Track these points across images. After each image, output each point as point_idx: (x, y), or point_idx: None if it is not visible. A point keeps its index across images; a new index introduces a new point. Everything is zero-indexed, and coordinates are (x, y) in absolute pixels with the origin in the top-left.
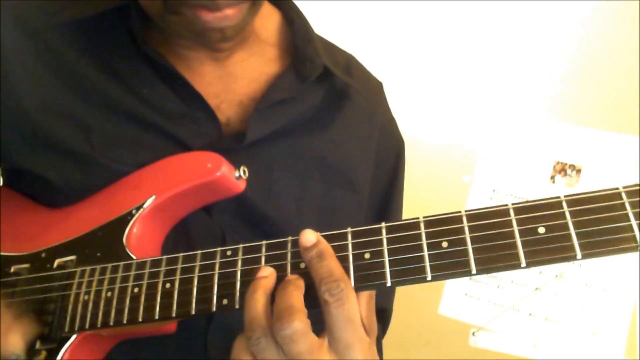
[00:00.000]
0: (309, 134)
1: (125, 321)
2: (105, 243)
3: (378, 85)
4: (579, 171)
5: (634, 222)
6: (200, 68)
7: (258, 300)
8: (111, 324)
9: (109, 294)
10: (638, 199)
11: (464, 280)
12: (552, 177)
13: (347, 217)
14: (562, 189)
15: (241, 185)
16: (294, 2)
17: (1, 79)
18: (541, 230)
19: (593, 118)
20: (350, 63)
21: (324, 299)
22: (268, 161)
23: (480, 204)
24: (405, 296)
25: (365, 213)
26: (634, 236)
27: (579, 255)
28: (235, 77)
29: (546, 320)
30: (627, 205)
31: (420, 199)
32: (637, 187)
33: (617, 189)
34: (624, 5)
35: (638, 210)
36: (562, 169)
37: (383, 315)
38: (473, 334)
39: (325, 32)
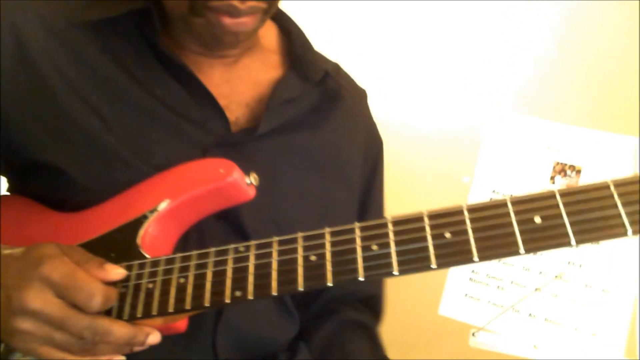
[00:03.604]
0: (308, 132)
1: (139, 314)
2: (119, 244)
3: (363, 92)
4: (579, 172)
5: (621, 209)
6: (210, 71)
7: None
8: (125, 317)
9: (123, 289)
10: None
11: (464, 280)
12: (552, 178)
13: (340, 212)
14: None
15: (251, 192)
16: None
17: (34, 71)
18: (537, 220)
19: (593, 118)
20: (338, 70)
21: None
22: (272, 157)
23: None
24: (405, 297)
25: (353, 208)
26: (622, 222)
27: (573, 242)
28: (241, 80)
29: (546, 321)
30: (615, 195)
31: (420, 199)
32: (625, 179)
33: (606, 181)
34: (624, 6)
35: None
36: (562, 170)
37: (372, 302)
38: (473, 334)
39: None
